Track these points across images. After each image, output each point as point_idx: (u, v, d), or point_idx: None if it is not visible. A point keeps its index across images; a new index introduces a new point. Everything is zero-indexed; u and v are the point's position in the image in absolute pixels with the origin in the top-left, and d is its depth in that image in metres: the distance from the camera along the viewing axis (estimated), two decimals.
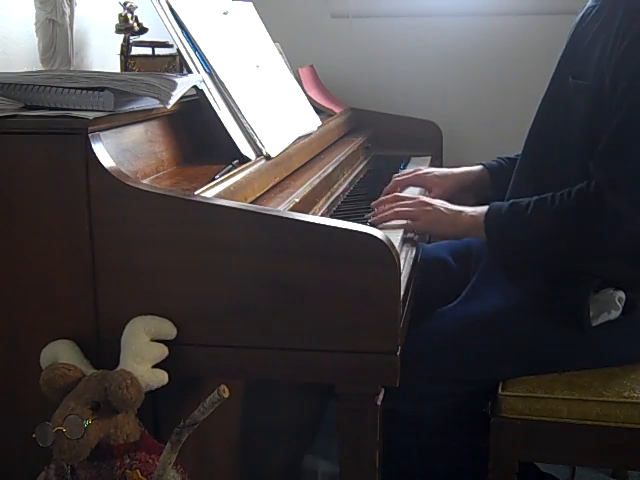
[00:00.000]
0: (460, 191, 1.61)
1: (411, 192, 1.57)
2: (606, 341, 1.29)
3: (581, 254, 1.22)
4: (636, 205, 1.16)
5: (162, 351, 0.96)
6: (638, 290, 1.29)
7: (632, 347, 1.32)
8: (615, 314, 1.28)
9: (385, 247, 0.92)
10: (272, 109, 1.47)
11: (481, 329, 1.31)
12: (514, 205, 1.26)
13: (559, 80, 1.36)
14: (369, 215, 1.38)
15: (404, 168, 1.94)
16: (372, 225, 1.32)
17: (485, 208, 1.29)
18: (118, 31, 1.59)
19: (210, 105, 1.24)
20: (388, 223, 1.33)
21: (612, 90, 1.20)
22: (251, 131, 1.30)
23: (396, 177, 1.62)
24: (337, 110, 2.06)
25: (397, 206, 1.35)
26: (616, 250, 1.20)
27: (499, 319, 1.30)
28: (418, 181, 1.60)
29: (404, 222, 1.33)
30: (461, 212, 1.32)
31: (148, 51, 1.63)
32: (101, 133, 0.97)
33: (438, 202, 1.35)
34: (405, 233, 1.32)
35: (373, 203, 1.41)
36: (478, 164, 1.63)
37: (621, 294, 1.27)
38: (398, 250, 1.08)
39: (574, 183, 1.22)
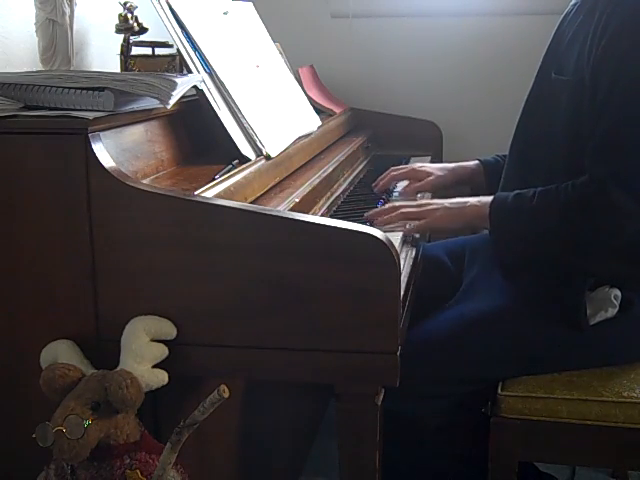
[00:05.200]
0: (457, 184, 1.63)
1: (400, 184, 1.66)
2: (604, 339, 1.29)
3: (582, 249, 1.21)
4: None
5: (162, 351, 0.96)
6: (633, 288, 1.29)
7: (630, 345, 1.32)
8: (612, 312, 1.28)
9: (385, 247, 0.92)
10: (272, 109, 1.46)
11: (479, 329, 1.31)
12: (519, 196, 1.25)
13: (543, 77, 1.37)
14: (368, 214, 1.37)
15: None
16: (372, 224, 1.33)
17: (490, 198, 1.29)
18: (118, 31, 1.59)
19: (210, 105, 1.24)
20: (393, 225, 1.32)
21: (593, 86, 1.20)
22: (251, 131, 1.30)
23: (392, 171, 1.64)
24: (337, 110, 2.06)
25: (402, 207, 1.34)
26: (618, 248, 1.19)
27: (497, 319, 1.30)
28: (415, 174, 1.61)
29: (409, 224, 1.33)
30: (465, 204, 1.32)
31: (148, 51, 1.63)
32: (101, 133, 0.97)
33: (438, 200, 1.36)
34: (411, 233, 1.32)
35: (367, 215, 1.36)
36: (475, 159, 1.64)
37: (617, 292, 1.27)
38: (398, 250, 1.08)
39: (558, 179, 1.22)
